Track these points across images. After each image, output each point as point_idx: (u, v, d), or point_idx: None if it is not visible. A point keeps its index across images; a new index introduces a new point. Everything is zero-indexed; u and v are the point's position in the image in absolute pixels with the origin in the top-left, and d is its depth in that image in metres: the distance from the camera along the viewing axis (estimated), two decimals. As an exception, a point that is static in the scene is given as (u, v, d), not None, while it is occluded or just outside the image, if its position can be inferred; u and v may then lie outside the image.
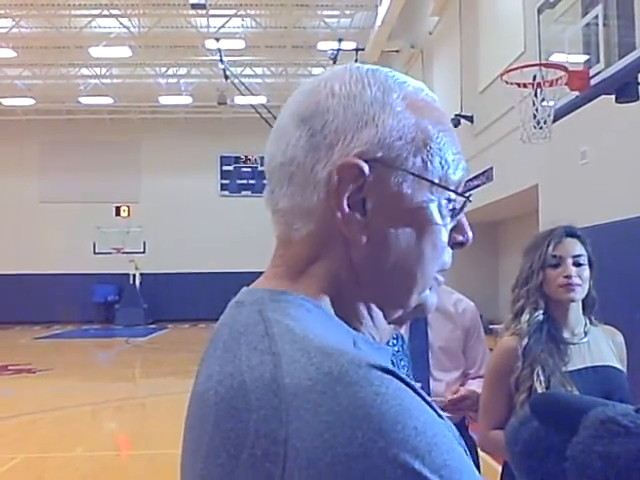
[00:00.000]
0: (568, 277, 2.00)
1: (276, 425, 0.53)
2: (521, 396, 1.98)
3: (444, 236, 0.69)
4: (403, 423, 0.52)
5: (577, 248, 2.04)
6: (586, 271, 2.04)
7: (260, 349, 0.58)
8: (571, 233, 2.06)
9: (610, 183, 7.28)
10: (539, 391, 1.92)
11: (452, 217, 0.70)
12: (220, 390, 0.58)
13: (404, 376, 0.56)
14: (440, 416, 0.56)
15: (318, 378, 0.54)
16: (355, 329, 0.67)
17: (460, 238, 0.71)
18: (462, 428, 2.60)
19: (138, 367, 13.99)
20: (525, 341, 2.01)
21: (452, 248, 0.71)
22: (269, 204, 0.71)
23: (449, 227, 0.70)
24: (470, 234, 0.72)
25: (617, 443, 0.95)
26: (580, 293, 2.04)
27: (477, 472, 0.57)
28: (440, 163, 0.68)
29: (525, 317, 2.04)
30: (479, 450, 2.42)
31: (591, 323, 2.11)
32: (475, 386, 2.54)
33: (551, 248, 2.02)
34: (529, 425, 1.16)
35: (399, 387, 0.54)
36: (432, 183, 0.67)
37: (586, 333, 2.08)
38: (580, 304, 2.08)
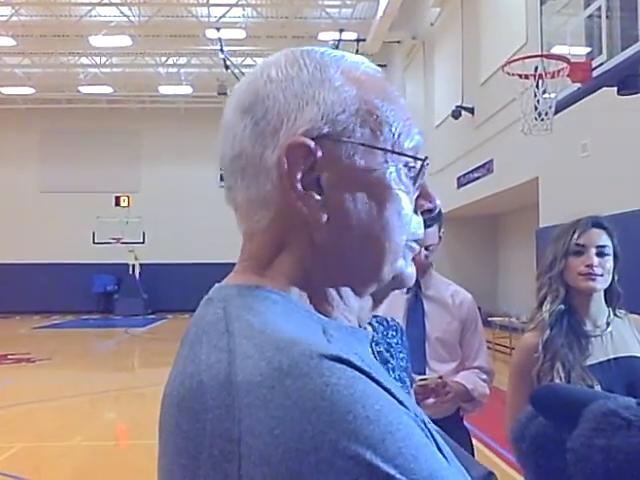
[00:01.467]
0: (590, 266, 1.99)
1: (229, 424, 0.53)
2: None
3: (406, 202, 0.68)
4: (354, 413, 0.50)
5: (602, 239, 2.03)
6: (609, 262, 2.03)
7: (219, 347, 0.58)
8: (598, 223, 2.05)
9: (611, 176, 7.27)
10: None
11: (413, 183, 0.69)
12: (181, 390, 0.58)
13: (359, 363, 0.54)
14: (401, 402, 0.55)
15: (268, 373, 0.53)
16: (328, 315, 0.66)
17: (427, 205, 0.71)
18: (456, 419, 2.61)
19: (137, 357, 14.02)
20: (546, 334, 2.00)
21: (422, 215, 0.71)
22: (229, 201, 0.71)
23: (414, 195, 0.69)
24: (437, 200, 0.71)
25: (618, 436, 0.94)
26: (602, 283, 2.02)
27: (442, 458, 0.55)
28: (390, 131, 0.67)
29: (547, 307, 2.03)
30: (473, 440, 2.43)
31: (615, 315, 2.09)
32: (461, 377, 2.55)
33: (576, 236, 2.02)
34: (536, 421, 1.15)
35: (352, 376, 0.53)
36: (384, 150, 0.66)
37: (609, 324, 2.06)
38: (602, 295, 2.07)
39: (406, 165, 0.68)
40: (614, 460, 0.94)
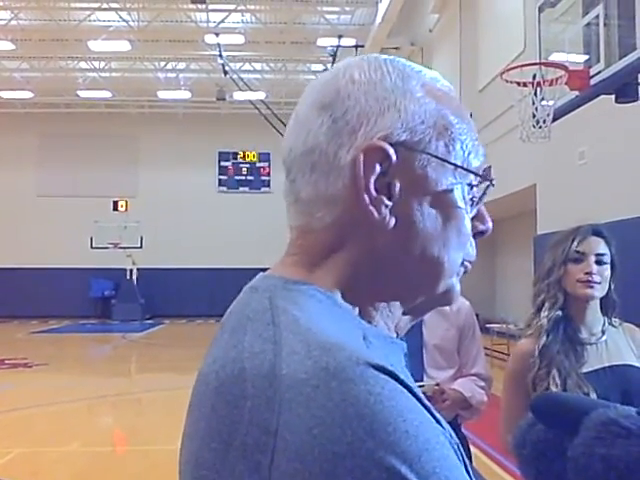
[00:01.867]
0: (588, 274, 2.00)
1: (268, 415, 0.53)
2: None
3: (467, 223, 0.69)
4: (395, 425, 0.51)
5: (601, 247, 2.05)
6: (607, 271, 2.04)
7: (264, 337, 0.58)
8: (597, 232, 2.07)
9: (608, 184, 7.29)
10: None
11: (473, 204, 0.70)
12: (221, 374, 0.59)
13: (403, 377, 0.55)
14: (438, 421, 0.55)
15: (314, 372, 0.53)
16: (370, 319, 0.66)
17: (481, 227, 0.71)
18: (454, 427, 2.61)
19: (134, 362, 13.98)
20: (543, 340, 2.01)
21: (474, 237, 0.71)
22: (289, 195, 0.70)
23: (471, 215, 0.70)
24: (490, 223, 0.72)
25: (618, 445, 0.95)
26: (599, 291, 2.03)
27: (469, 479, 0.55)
28: (462, 148, 0.68)
29: (544, 313, 2.04)
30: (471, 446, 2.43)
31: (610, 324, 2.10)
32: (458, 384, 2.55)
33: (575, 244, 2.03)
34: (537, 427, 1.15)
35: (395, 388, 0.53)
36: (455, 166, 0.67)
37: (604, 332, 2.08)
38: (598, 303, 2.08)
39: (470, 184, 0.69)
40: (615, 469, 0.94)
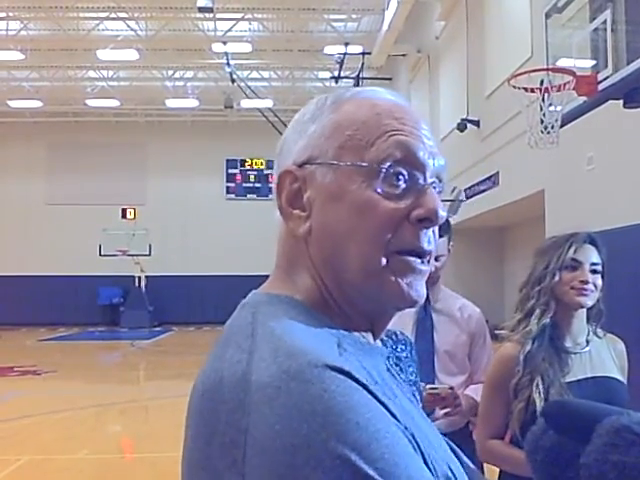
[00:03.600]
0: (584, 282, 1.99)
1: (240, 416, 0.60)
2: (519, 405, 1.96)
3: (386, 213, 0.69)
4: (346, 417, 0.56)
5: (595, 256, 2.03)
6: (600, 280, 2.02)
7: (242, 348, 0.65)
8: (591, 240, 2.05)
9: (617, 189, 7.25)
10: (537, 402, 1.90)
11: (403, 192, 0.70)
12: (206, 382, 0.66)
13: (360, 377, 0.60)
14: (394, 415, 0.60)
15: (277, 375, 0.60)
16: (345, 326, 0.71)
17: (417, 211, 0.70)
18: (466, 433, 2.59)
19: (142, 370, 14.00)
20: (528, 347, 1.99)
21: (421, 225, 0.70)
22: None
23: (406, 203, 0.70)
24: (432, 206, 0.70)
25: (632, 453, 0.93)
26: (592, 300, 2.02)
27: (426, 469, 0.60)
28: (360, 145, 0.72)
29: (534, 320, 2.02)
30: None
31: (595, 334, 2.09)
32: (471, 390, 2.54)
33: (572, 251, 2.01)
34: (549, 433, 1.14)
35: (349, 385, 0.59)
36: (354, 166, 0.71)
37: (588, 342, 2.06)
38: (585, 313, 2.06)
39: (383, 173, 0.70)
40: (628, 477, 0.93)
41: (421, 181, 0.71)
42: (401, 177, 0.70)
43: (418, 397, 1.32)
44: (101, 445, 6.89)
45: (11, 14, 16.95)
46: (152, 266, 22.43)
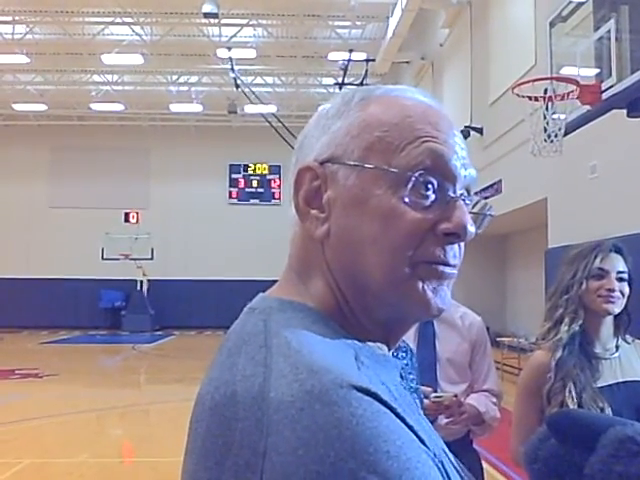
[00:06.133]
0: (611, 290, 2.02)
1: (257, 437, 0.55)
2: (553, 410, 1.97)
3: (411, 221, 0.65)
4: (376, 446, 0.52)
5: (621, 264, 2.07)
6: (626, 287, 2.06)
7: (256, 360, 0.60)
8: (617, 249, 2.08)
9: (619, 197, 7.25)
10: (570, 406, 1.92)
11: (432, 202, 0.66)
12: (215, 396, 0.61)
13: (387, 399, 0.56)
14: (422, 441, 0.57)
15: (299, 395, 0.55)
16: (360, 335, 0.67)
17: (444, 225, 0.66)
18: (466, 442, 2.59)
19: (144, 373, 13.98)
20: (559, 353, 2.01)
21: (446, 239, 0.67)
22: None
23: (433, 214, 0.66)
24: (459, 222, 0.66)
25: (636, 463, 0.93)
26: (618, 307, 2.05)
27: None
28: (388, 149, 0.67)
29: (564, 327, 2.05)
30: (483, 462, 2.41)
31: (624, 340, 2.12)
32: (472, 399, 2.54)
33: (598, 260, 2.04)
34: (548, 443, 1.15)
35: (378, 410, 0.55)
36: (381, 170, 0.66)
37: (617, 348, 2.09)
38: (613, 319, 2.09)
39: (411, 182, 0.65)
40: None
41: (451, 193, 0.67)
42: (430, 187, 0.66)
43: (419, 404, 1.33)
44: (102, 449, 6.88)
45: (17, 18, 17.02)
46: (154, 270, 22.44)
